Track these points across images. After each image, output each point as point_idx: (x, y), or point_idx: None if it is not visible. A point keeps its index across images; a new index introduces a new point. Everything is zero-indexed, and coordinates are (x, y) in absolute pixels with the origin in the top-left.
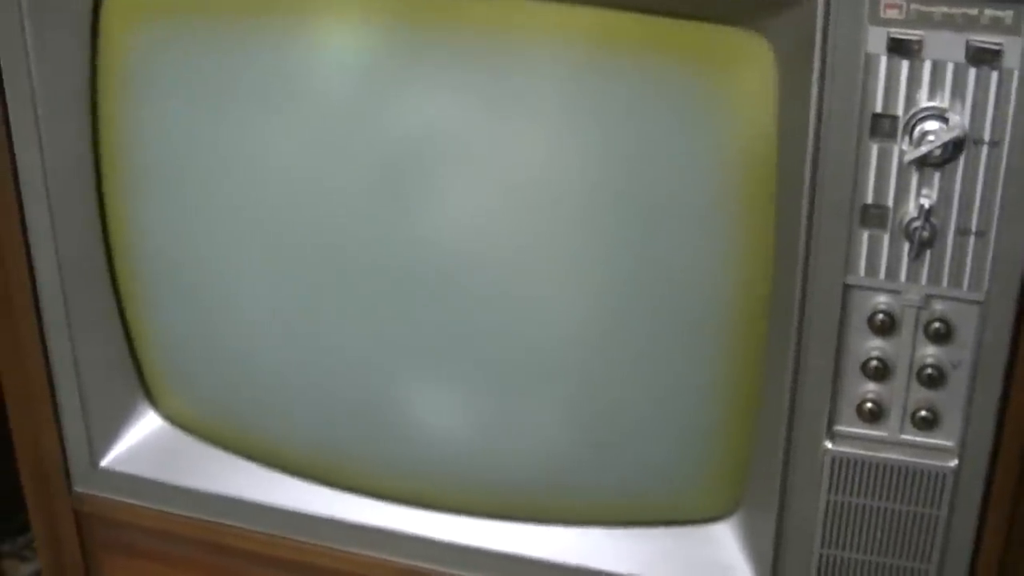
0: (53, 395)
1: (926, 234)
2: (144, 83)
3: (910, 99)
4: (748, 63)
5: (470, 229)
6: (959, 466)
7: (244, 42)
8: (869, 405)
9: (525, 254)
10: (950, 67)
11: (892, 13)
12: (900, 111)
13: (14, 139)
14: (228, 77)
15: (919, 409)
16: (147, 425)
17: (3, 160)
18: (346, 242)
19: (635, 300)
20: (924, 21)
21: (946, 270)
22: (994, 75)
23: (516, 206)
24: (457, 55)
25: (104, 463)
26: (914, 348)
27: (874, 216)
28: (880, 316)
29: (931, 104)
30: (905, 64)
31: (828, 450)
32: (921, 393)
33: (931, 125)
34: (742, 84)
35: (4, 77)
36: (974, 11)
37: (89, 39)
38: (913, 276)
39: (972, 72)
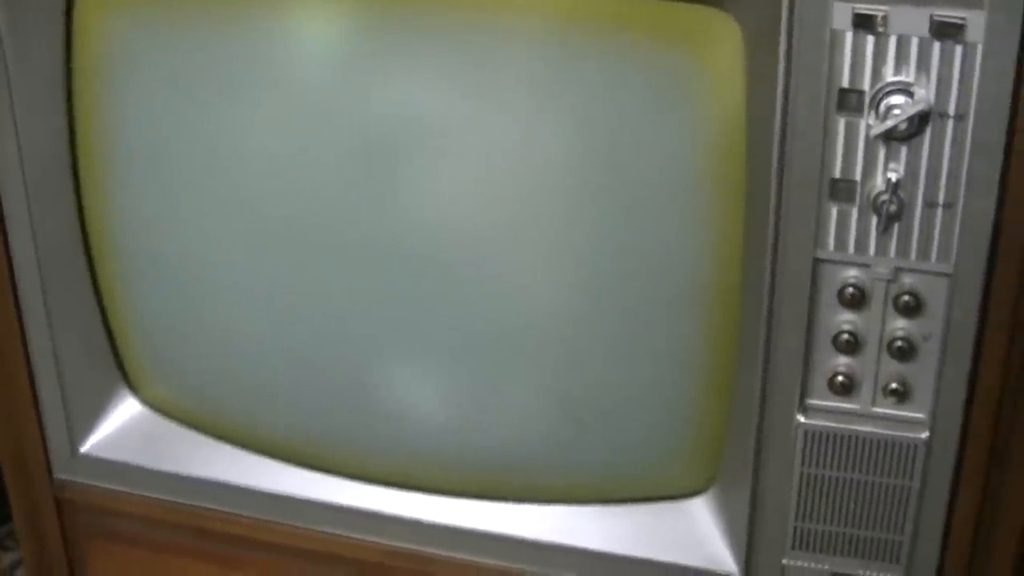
0: (32, 382)
1: (894, 207)
2: (120, 72)
3: (876, 74)
4: (716, 42)
5: (449, 211)
6: (931, 437)
7: (220, 29)
8: (841, 378)
9: (502, 234)
10: (914, 41)
11: None
12: (866, 86)
13: None
14: (205, 64)
15: (890, 382)
16: (127, 411)
17: None
18: (327, 226)
19: (610, 279)
20: None
21: (914, 243)
22: (958, 49)
23: (491, 187)
24: (432, 39)
25: (84, 449)
26: (884, 321)
27: (842, 190)
28: (850, 290)
29: (896, 78)
30: (870, 39)
31: (801, 424)
32: (892, 366)
33: (897, 99)
34: (711, 63)
35: None
36: None
37: (64, 29)
38: (882, 249)
39: (936, 46)
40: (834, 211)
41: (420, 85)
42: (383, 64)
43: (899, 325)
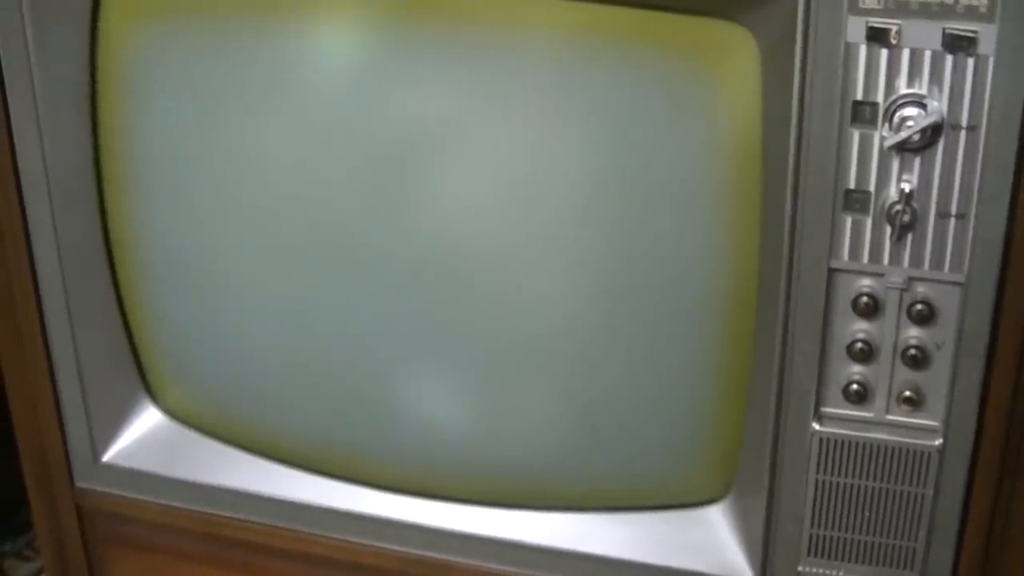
0: (55, 391)
1: (907, 218)
2: (143, 79)
3: (889, 86)
4: (733, 55)
5: (466, 219)
6: (944, 445)
7: (241, 38)
8: (855, 387)
9: (520, 243)
10: (927, 54)
11: (871, 3)
12: (880, 98)
13: (15, 134)
14: (226, 72)
15: (904, 390)
16: (148, 420)
17: (4, 155)
18: (344, 235)
19: (627, 287)
20: (901, 10)
21: (928, 253)
22: (970, 61)
23: (510, 197)
24: (450, 50)
25: (106, 458)
26: (898, 330)
27: (856, 201)
28: (864, 299)
29: (910, 91)
30: (884, 52)
31: (816, 431)
32: (905, 374)
33: (910, 111)
34: (728, 75)
35: (5, 73)
36: (950, 0)
37: (89, 35)
38: (895, 259)
39: (949, 59)
40: (848, 221)
41: (438, 95)
42: (402, 74)
43: (912, 334)
